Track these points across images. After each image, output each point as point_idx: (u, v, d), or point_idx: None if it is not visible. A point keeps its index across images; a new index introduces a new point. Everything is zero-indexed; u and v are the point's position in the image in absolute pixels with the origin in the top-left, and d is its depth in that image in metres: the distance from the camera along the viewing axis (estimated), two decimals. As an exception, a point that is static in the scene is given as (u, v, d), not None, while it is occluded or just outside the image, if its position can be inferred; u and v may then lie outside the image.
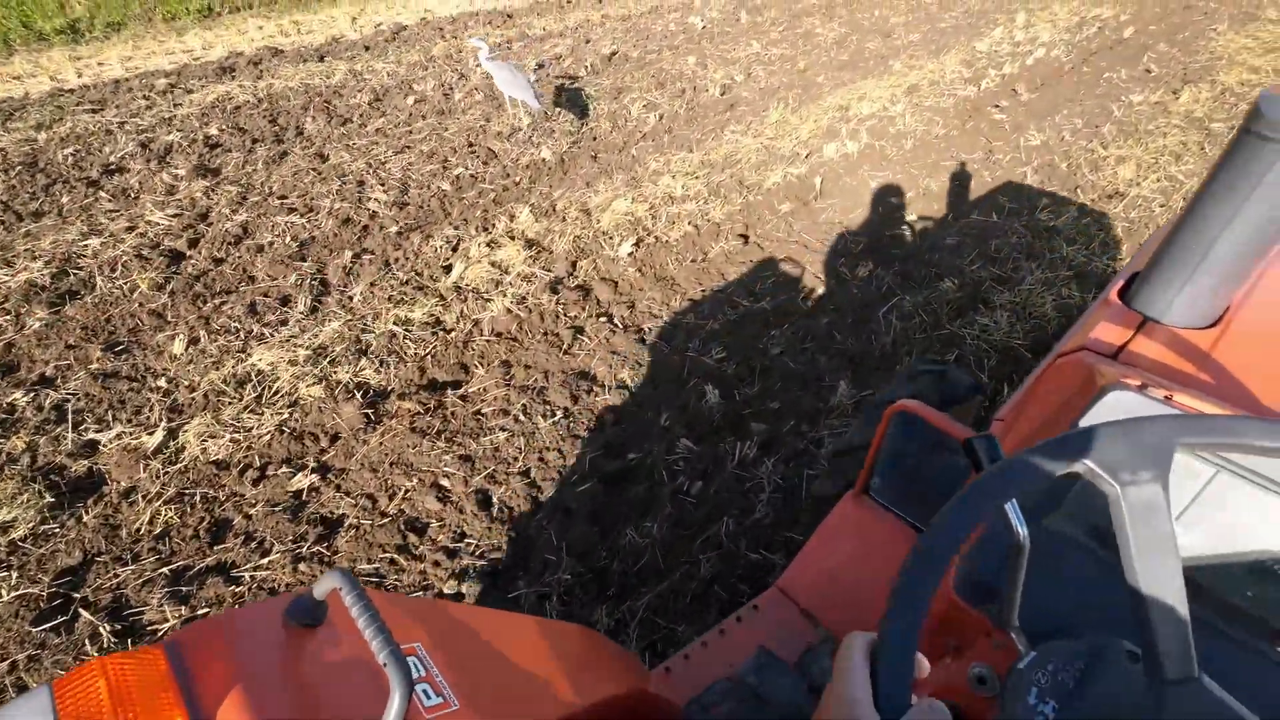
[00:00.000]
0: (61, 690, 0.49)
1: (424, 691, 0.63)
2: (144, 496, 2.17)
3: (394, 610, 0.69)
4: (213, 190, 3.90)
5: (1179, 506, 0.82)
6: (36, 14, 6.60)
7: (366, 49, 6.42)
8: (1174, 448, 0.54)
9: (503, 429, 2.40)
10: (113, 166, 4.18)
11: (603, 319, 2.92)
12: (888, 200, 3.84)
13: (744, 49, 6.28)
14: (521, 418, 2.45)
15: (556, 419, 2.44)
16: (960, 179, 4.08)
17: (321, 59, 6.12)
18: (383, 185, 3.97)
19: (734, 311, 2.98)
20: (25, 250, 3.34)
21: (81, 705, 0.48)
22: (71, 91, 5.39)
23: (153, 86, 5.40)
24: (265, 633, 0.60)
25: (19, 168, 4.12)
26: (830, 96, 5.20)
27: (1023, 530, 0.62)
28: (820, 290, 3.12)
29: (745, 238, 3.52)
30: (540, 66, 5.79)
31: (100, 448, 2.34)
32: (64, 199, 3.82)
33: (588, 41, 6.48)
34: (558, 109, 4.96)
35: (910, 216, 3.64)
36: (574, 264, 3.29)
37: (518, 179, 4.08)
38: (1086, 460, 0.54)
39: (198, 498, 2.18)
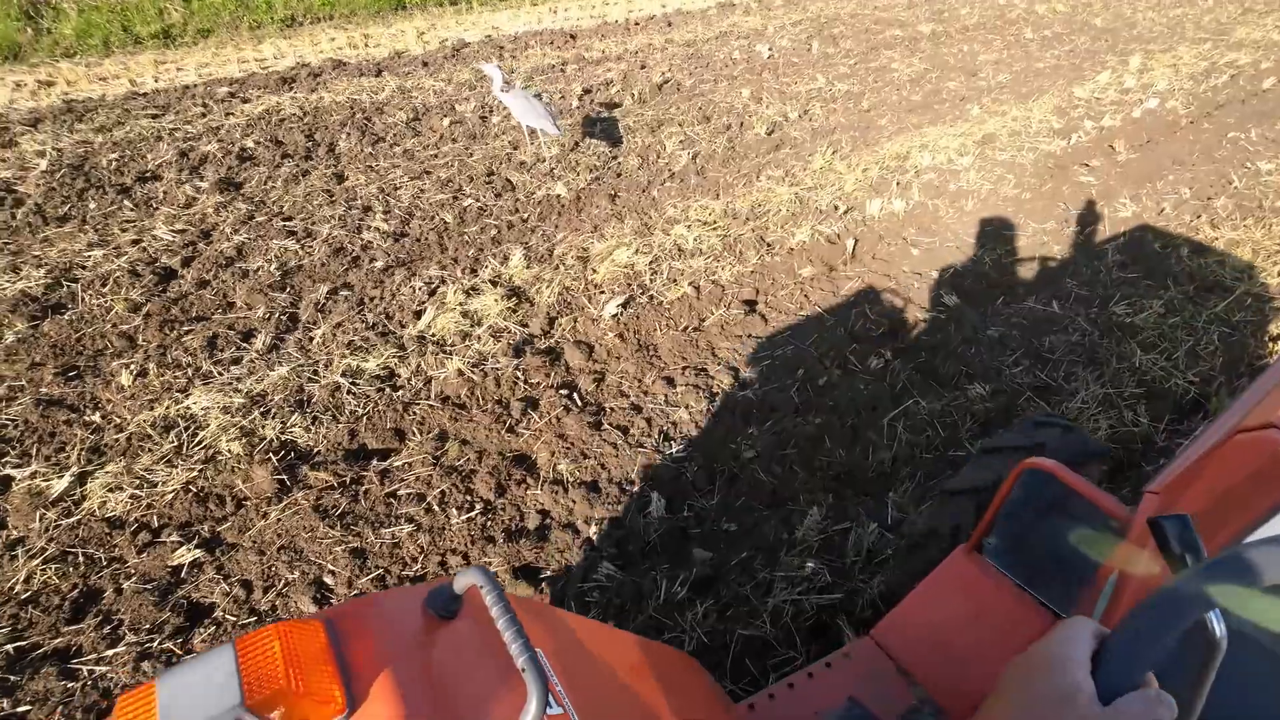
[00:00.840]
0: (244, 648, 0.52)
1: None
2: (28, 551, 2.04)
3: (522, 615, 0.69)
4: (225, 206, 3.89)
5: None
6: (136, 19, 7.06)
7: (425, 65, 6.44)
8: None
9: (411, 519, 2.13)
10: (148, 174, 4.28)
11: (562, 392, 2.60)
12: (928, 273, 3.33)
13: (807, 83, 5.83)
14: (436, 508, 2.17)
15: (473, 514, 2.14)
16: (1023, 253, 3.50)
17: (379, 73, 6.18)
18: (386, 213, 3.84)
19: (712, 399, 2.59)
20: (34, 257, 3.41)
21: (260, 664, 0.51)
22: (144, 95, 5.66)
23: (214, 94, 5.58)
24: (408, 619, 0.62)
25: (65, 169, 4.28)
26: (889, 142, 4.69)
27: (1221, 629, 0.53)
28: (822, 380, 2.68)
29: (752, 304, 3.12)
30: (586, 93, 5.59)
31: (11, 486, 2.25)
32: (91, 205, 3.91)
33: (643, 67, 6.23)
34: (590, 140, 4.72)
35: (950, 297, 3.12)
36: (552, 320, 3.00)
37: (525, 216, 3.85)
38: None
39: (80, 559, 2.04)
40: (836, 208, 3.84)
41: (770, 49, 6.70)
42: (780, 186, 4.08)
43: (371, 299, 3.15)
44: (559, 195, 4.02)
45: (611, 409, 2.55)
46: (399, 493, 2.23)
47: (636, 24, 7.79)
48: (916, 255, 3.47)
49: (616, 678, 0.82)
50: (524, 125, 4.19)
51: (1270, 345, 2.83)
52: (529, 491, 2.23)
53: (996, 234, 3.66)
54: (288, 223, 3.75)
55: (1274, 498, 0.83)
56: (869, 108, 5.32)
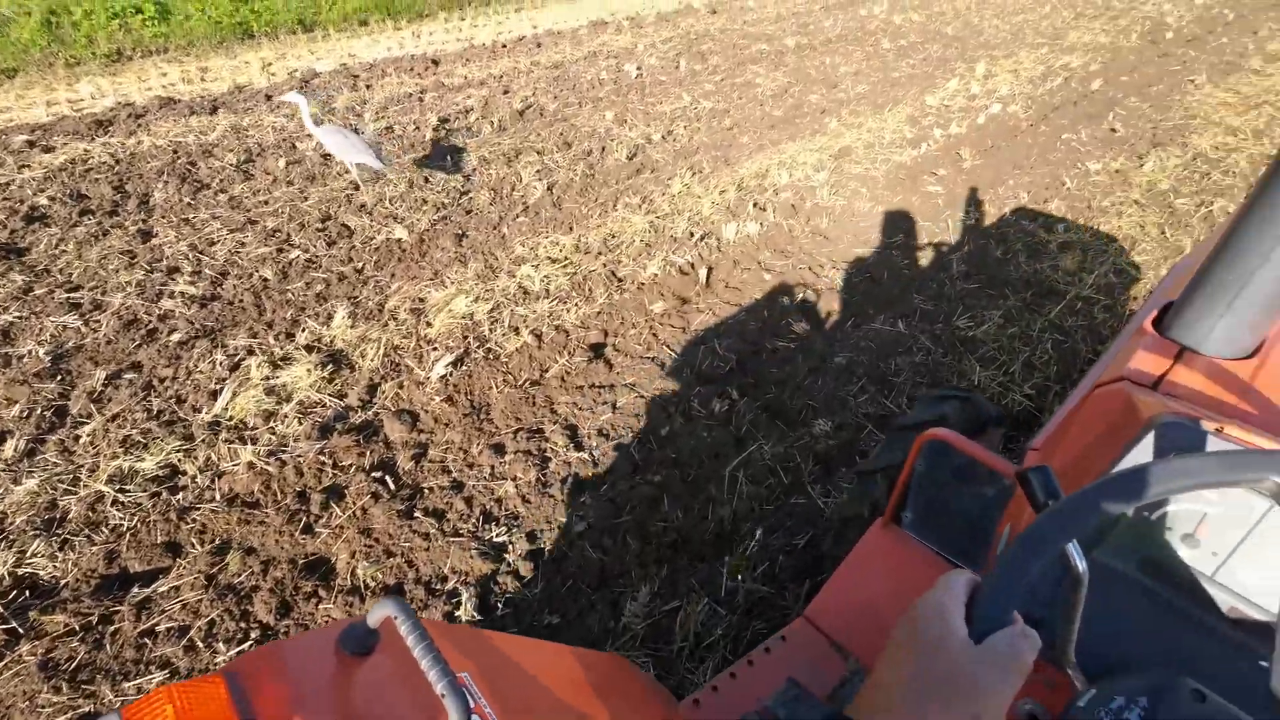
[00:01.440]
0: (130, 717, 0.49)
1: None
2: None
3: (442, 640, 0.66)
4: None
5: (1234, 541, 0.83)
6: (-78, 60, 6.18)
7: (268, 98, 5.95)
8: None
9: (166, 664, 1.79)
10: (-94, 246, 3.65)
11: (374, 475, 2.31)
12: (779, 300, 3.25)
13: (672, 102, 5.77)
14: (201, 644, 1.83)
15: (246, 646, 1.82)
16: (873, 270, 3.49)
17: (213, 111, 5.65)
18: (195, 274, 3.41)
19: (544, 465, 2.37)
20: None
21: None
22: (-79, 149, 4.91)
23: (8, 145, 4.91)
24: (319, 662, 0.59)
25: None
26: (749, 161, 4.65)
27: (1082, 564, 0.58)
28: (664, 430, 2.51)
29: (599, 349, 2.93)
30: (443, 122, 5.29)
31: None
32: None
33: (505, 92, 5.99)
34: (441, 175, 4.43)
35: (799, 324, 3.04)
36: (373, 388, 2.70)
37: (360, 265, 3.52)
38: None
39: None
40: (692, 234, 3.73)
41: (639, 68, 6.62)
42: (636, 215, 3.93)
43: (162, 380, 2.74)
44: (399, 239, 3.72)
45: (429, 490, 2.28)
46: (157, 629, 1.87)
47: (504, 46, 7.54)
48: (769, 280, 3.39)
49: (551, 692, 0.81)
50: (348, 163, 3.86)
51: (1099, 349, 2.89)
52: (320, 606, 1.92)
53: (848, 252, 3.64)
54: (73, 294, 3.26)
55: (1126, 441, 0.91)
56: (731, 125, 5.30)
